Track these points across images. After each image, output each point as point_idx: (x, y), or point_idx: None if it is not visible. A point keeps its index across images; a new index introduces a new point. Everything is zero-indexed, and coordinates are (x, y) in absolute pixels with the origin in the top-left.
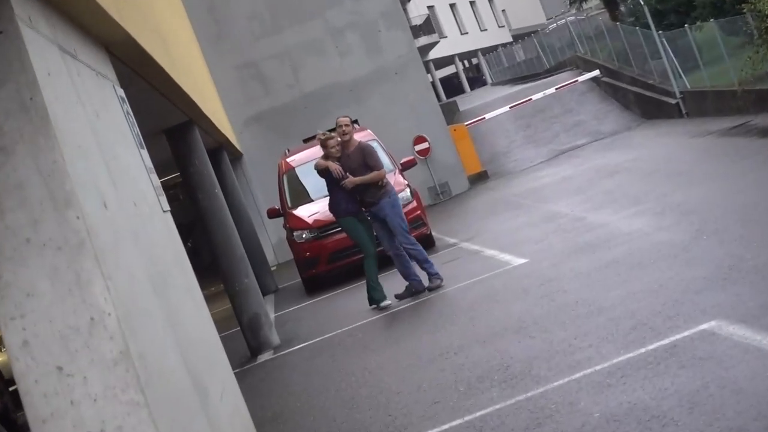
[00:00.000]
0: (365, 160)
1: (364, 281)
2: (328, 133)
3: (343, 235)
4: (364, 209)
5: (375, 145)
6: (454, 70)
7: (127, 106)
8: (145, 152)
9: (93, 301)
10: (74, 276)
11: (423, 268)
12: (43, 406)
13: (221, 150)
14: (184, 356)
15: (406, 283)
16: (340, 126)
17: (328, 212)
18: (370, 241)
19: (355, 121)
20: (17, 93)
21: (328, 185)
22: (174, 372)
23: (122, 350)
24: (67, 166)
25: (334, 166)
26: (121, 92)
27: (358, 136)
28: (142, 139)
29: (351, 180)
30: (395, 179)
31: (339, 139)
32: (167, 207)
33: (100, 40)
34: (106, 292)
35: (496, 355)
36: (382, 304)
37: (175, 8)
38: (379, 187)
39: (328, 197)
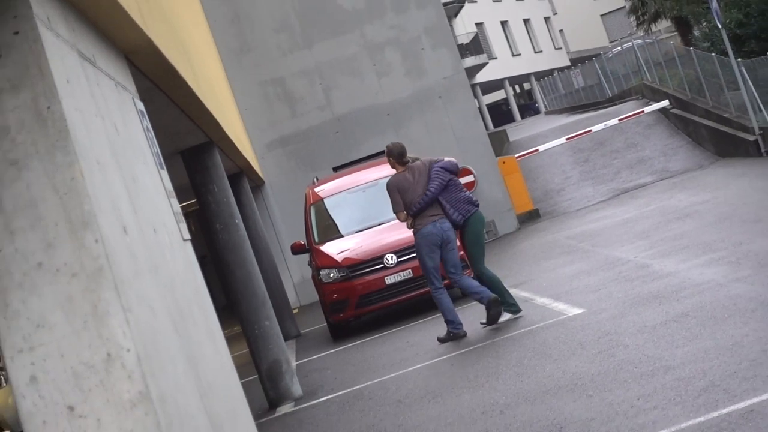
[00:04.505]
0: None
1: (398, 328)
2: None
3: (376, 276)
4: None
5: (394, 181)
6: (504, 96)
7: (147, 122)
8: (165, 174)
9: (110, 336)
10: (90, 306)
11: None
12: None
13: (242, 176)
14: (205, 403)
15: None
16: None
17: (360, 249)
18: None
19: None
20: (33, 101)
21: None
22: (195, 419)
23: (141, 391)
24: (87, 184)
25: None
26: (141, 106)
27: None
28: (161, 159)
29: None
30: None
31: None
32: (188, 236)
33: (120, 46)
34: (125, 326)
35: (548, 416)
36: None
37: (197, 17)
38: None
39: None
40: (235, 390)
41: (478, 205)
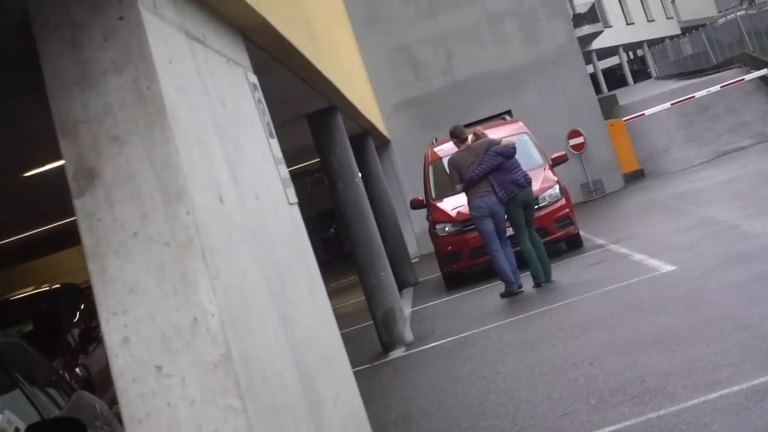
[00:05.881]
0: None
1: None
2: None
3: None
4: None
5: (453, 159)
6: (618, 62)
7: (259, 94)
8: (275, 142)
9: (197, 301)
10: (180, 274)
11: None
12: (139, 406)
13: (366, 136)
14: (297, 359)
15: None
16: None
17: None
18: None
19: (508, 113)
20: (134, 82)
21: None
22: (282, 376)
23: (223, 353)
24: (182, 159)
25: None
26: (254, 79)
27: (510, 129)
28: (272, 128)
29: None
30: (544, 175)
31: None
32: (294, 199)
33: (234, 25)
34: (211, 293)
35: (632, 368)
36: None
37: None
38: None
39: None
40: (333, 344)
41: (524, 186)
